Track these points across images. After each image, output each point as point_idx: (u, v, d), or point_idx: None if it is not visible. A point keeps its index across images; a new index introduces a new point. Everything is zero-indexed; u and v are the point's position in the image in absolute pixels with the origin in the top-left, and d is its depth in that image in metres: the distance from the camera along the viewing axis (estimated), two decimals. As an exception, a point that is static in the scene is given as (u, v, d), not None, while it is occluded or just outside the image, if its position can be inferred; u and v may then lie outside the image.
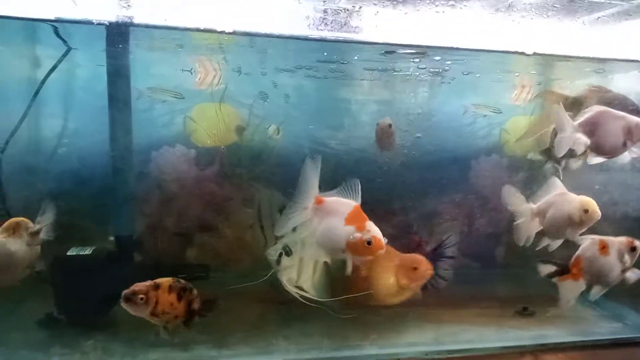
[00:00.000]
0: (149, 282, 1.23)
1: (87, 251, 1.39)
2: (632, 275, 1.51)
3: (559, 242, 1.53)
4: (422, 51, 1.61)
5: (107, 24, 1.33)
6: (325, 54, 1.66)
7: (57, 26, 1.39)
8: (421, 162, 1.86)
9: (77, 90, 1.67)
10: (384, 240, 1.22)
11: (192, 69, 1.74)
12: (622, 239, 1.50)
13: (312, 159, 1.28)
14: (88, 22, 1.30)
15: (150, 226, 1.66)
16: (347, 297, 1.47)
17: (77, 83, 1.67)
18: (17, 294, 1.47)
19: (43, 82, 1.52)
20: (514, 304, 1.79)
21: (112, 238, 1.49)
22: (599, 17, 1.56)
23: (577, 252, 1.52)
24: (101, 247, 1.45)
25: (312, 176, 1.28)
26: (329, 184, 1.30)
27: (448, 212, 1.86)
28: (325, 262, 1.48)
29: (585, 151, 1.47)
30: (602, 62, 1.74)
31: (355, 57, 1.72)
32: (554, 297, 1.89)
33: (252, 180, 1.78)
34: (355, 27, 1.46)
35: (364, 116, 1.92)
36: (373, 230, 1.22)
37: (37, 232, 1.29)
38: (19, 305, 1.53)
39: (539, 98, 1.94)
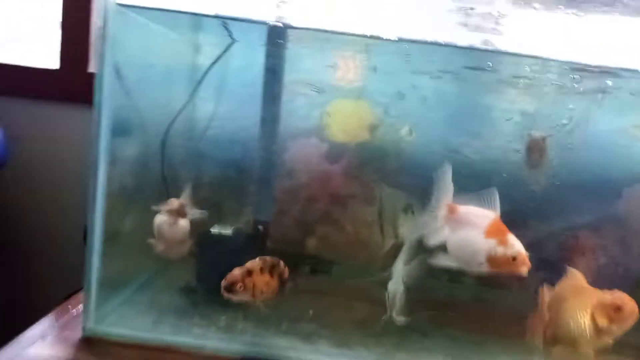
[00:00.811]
0: (240, 270, 1.31)
1: (228, 231, 1.53)
2: None
3: None
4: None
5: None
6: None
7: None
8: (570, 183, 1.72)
9: (235, 79, 1.81)
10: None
11: (334, 64, 1.79)
12: None
13: (448, 164, 1.27)
14: (250, 21, 1.41)
15: (280, 213, 1.77)
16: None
17: (236, 73, 1.81)
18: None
19: (207, 71, 1.67)
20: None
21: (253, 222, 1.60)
22: None
23: None
24: (239, 228, 1.58)
25: (446, 183, 1.26)
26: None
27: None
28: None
29: None
30: None
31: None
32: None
33: (378, 179, 1.80)
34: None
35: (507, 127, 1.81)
36: (517, 245, 1.18)
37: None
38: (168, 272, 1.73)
39: None
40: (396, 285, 1.44)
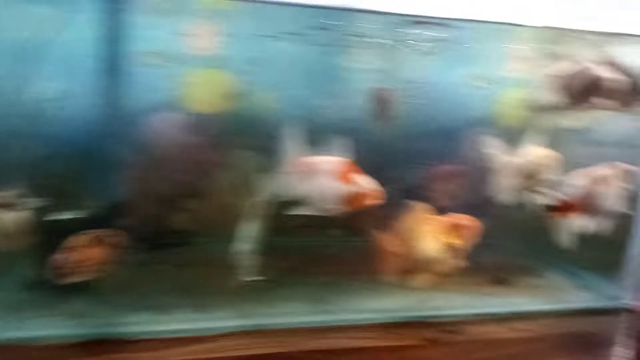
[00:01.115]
0: (61, 252, 1.28)
1: (68, 216, 1.44)
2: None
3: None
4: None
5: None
6: (322, 20, 1.64)
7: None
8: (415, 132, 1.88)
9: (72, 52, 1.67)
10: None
11: (188, 33, 1.73)
12: (615, 167, 1.58)
13: (291, 123, 1.33)
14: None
15: (138, 191, 1.70)
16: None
17: (72, 44, 1.66)
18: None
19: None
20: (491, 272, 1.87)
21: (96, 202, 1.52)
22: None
23: (570, 189, 1.60)
24: (86, 211, 1.50)
25: (293, 139, 1.33)
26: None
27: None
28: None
29: None
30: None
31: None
32: (530, 267, 2.00)
33: (234, 145, 1.80)
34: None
35: (362, 86, 1.91)
36: (366, 181, 1.30)
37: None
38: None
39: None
40: (241, 245, 1.47)
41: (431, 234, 1.46)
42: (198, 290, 1.55)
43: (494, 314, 1.65)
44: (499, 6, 1.55)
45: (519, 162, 1.60)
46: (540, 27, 1.65)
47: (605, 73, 1.49)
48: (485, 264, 1.88)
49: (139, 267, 1.60)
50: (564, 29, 1.69)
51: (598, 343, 1.67)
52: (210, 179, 1.77)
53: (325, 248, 1.93)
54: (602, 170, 1.59)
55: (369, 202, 1.30)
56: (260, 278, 1.46)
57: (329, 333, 1.47)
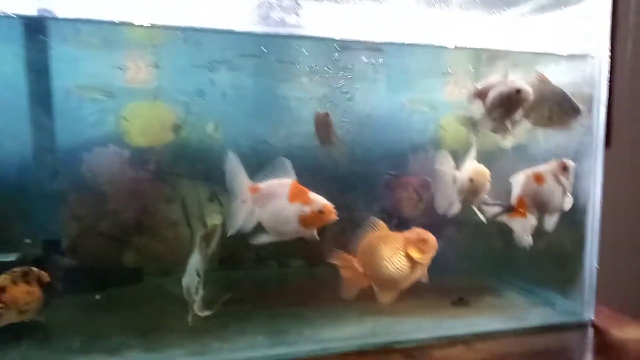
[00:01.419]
0: None
1: (11, 257, 1.34)
2: (568, 200, 1.61)
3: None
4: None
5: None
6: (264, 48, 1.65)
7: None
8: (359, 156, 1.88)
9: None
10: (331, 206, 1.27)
11: (123, 66, 1.69)
12: (553, 163, 1.60)
13: (232, 152, 1.30)
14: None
15: (83, 229, 1.61)
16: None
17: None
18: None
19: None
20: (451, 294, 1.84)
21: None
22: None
23: (516, 190, 1.61)
24: (29, 252, 1.40)
25: (237, 169, 1.30)
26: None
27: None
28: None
29: None
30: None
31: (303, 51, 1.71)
32: (489, 286, 1.99)
33: (178, 176, 1.75)
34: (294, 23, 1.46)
35: (305, 113, 1.91)
36: (320, 199, 1.27)
37: None
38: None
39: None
40: (189, 279, 1.39)
41: (392, 249, 1.45)
42: (150, 329, 1.46)
43: (455, 337, 1.60)
44: (431, 30, 1.61)
45: (464, 178, 1.61)
46: (472, 49, 1.72)
47: (531, 89, 1.55)
48: (445, 284, 1.83)
49: (86, 307, 1.52)
50: (495, 50, 1.78)
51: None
52: (156, 214, 1.69)
53: (282, 277, 1.89)
54: (540, 167, 1.63)
55: (328, 217, 1.27)
56: (213, 312, 1.36)
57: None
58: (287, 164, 1.29)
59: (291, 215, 1.27)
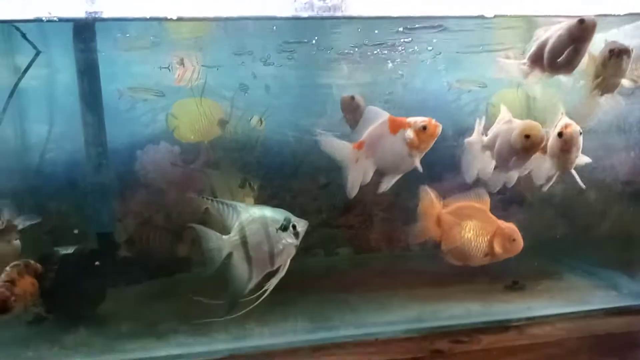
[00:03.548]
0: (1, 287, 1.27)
1: (70, 250, 1.45)
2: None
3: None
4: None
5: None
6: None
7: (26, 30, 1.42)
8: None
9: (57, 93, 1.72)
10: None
11: (169, 65, 1.77)
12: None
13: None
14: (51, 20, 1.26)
15: (138, 223, 1.71)
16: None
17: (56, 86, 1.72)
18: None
19: (15, 86, 1.56)
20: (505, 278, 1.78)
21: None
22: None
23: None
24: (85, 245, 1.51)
25: (331, 142, 1.36)
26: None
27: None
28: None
29: None
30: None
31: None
32: (544, 269, 1.90)
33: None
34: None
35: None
36: (417, 119, 1.30)
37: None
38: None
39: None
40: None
41: (481, 228, 1.48)
42: (195, 315, 1.51)
43: (508, 321, 1.55)
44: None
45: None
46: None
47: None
48: (498, 267, 1.80)
49: (138, 295, 1.60)
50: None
51: (622, 345, 1.55)
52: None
53: (329, 265, 1.92)
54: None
55: (434, 130, 1.30)
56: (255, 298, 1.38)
57: (330, 350, 1.40)
58: (374, 110, 1.33)
59: (398, 145, 1.31)
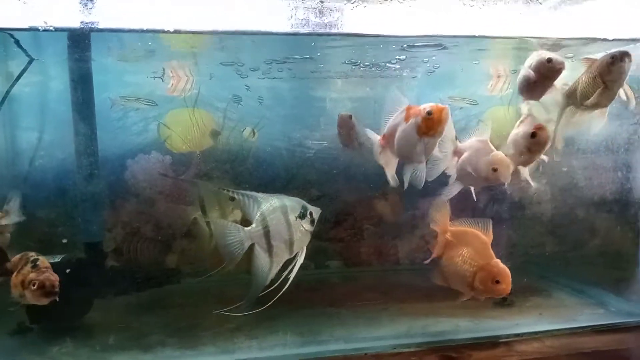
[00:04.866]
0: (40, 273, 1.24)
1: (57, 259, 1.42)
2: None
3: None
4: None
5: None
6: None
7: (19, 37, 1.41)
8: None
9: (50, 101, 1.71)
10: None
11: (163, 75, 1.77)
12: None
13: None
14: (47, 30, 1.26)
15: (126, 233, 1.69)
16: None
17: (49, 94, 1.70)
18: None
19: (7, 92, 1.56)
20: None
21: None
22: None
23: None
24: (72, 255, 1.49)
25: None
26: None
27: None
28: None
29: None
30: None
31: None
32: (533, 286, 1.91)
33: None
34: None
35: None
36: (425, 105, 1.32)
37: None
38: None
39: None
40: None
41: (471, 261, 1.46)
42: (184, 327, 1.51)
43: (497, 337, 1.55)
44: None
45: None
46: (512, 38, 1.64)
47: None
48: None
49: (126, 306, 1.59)
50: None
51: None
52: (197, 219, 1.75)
53: (317, 278, 1.91)
54: None
55: (440, 116, 1.30)
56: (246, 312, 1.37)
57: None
58: (395, 97, 1.38)
59: (410, 131, 1.33)
